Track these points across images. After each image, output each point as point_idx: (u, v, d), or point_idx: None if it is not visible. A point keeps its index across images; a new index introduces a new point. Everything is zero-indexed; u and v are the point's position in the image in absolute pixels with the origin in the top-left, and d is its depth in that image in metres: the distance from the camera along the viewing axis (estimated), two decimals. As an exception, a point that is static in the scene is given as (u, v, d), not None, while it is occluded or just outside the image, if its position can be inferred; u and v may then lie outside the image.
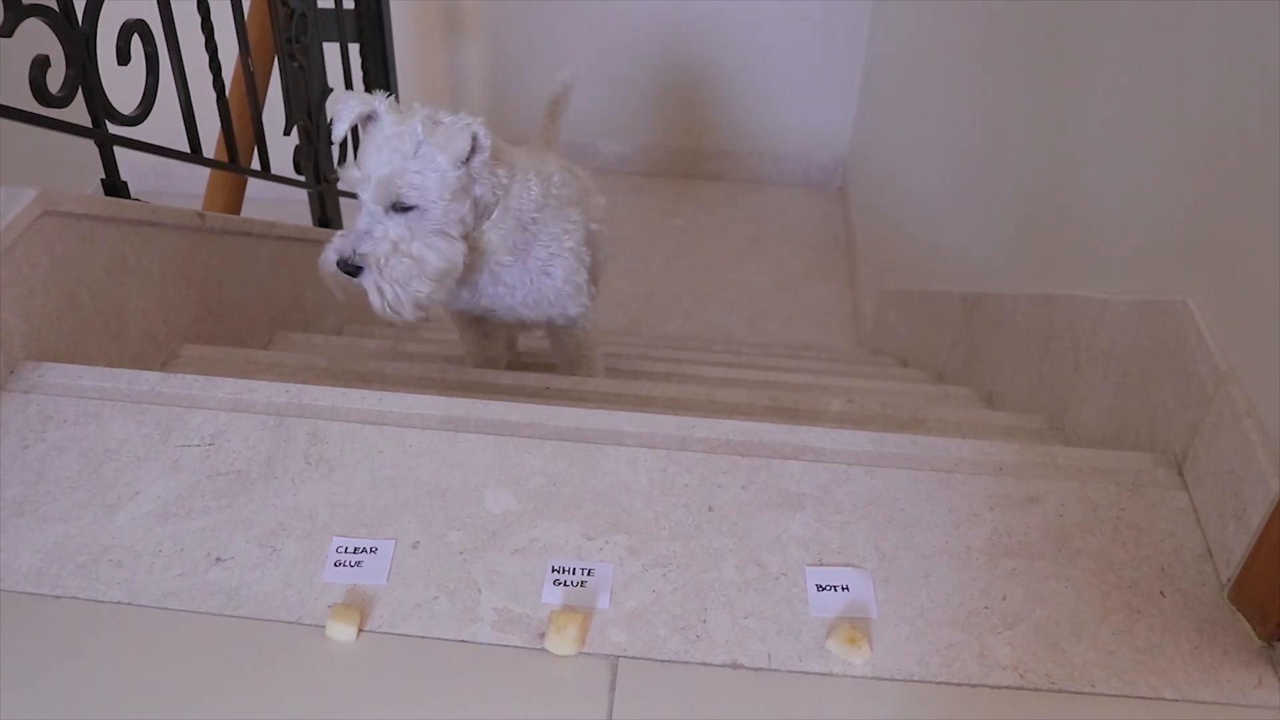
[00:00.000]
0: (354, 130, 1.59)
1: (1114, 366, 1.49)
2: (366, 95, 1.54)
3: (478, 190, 1.59)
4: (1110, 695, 1.01)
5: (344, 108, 1.55)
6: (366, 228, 1.53)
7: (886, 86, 4.06)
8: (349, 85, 2.83)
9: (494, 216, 1.63)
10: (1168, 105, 1.46)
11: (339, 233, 1.56)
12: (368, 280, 1.53)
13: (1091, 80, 1.76)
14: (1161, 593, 1.10)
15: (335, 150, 2.79)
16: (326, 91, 2.69)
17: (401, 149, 1.49)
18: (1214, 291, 1.27)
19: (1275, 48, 1.16)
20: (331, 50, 2.78)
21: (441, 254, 1.56)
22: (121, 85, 1.71)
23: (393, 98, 1.55)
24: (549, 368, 2.15)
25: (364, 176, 1.51)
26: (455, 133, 1.51)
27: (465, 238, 1.60)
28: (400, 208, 1.52)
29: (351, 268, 1.53)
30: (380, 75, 3.04)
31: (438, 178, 1.52)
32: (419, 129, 1.49)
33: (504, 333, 2.08)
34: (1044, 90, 2.02)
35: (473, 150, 1.53)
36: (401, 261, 1.53)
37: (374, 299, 1.54)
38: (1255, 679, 1.03)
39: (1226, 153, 1.28)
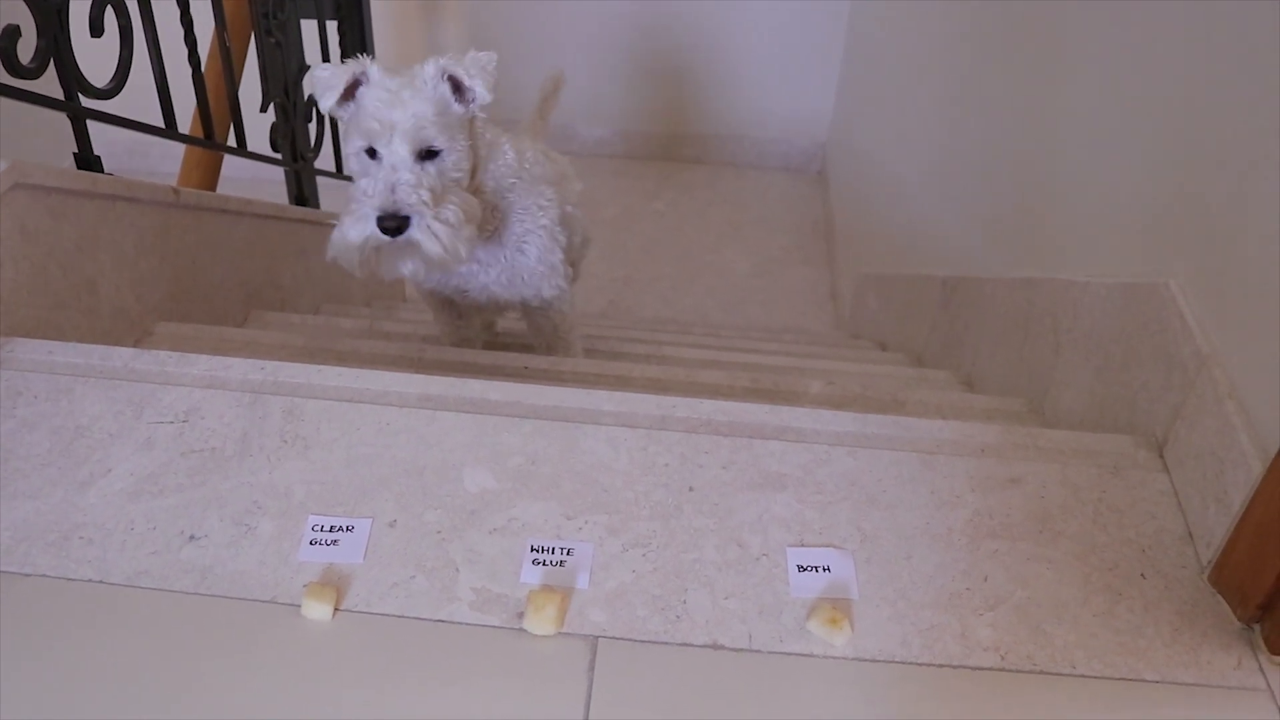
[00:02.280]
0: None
1: (1095, 349, 1.49)
2: (350, 61, 1.50)
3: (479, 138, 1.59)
4: (1091, 676, 1.00)
5: (331, 75, 1.49)
6: (402, 178, 1.46)
7: (866, 71, 4.06)
8: (326, 62, 2.80)
9: (477, 176, 1.62)
10: (1148, 87, 1.45)
11: (354, 202, 1.49)
12: (419, 229, 1.46)
13: (1071, 63, 1.75)
14: (1142, 575, 1.10)
15: (313, 128, 2.76)
16: (304, 69, 2.67)
17: (420, 94, 1.46)
18: (1196, 274, 1.26)
19: (1255, 29, 1.16)
20: (309, 28, 2.75)
21: (468, 201, 1.54)
22: (95, 58, 1.68)
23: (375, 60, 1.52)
24: (527, 348, 2.13)
25: (383, 126, 1.45)
26: (485, 62, 1.50)
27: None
28: (428, 153, 1.49)
29: (399, 221, 1.45)
30: (358, 53, 3.00)
31: (456, 119, 1.51)
32: (435, 71, 1.48)
33: (478, 314, 2.06)
34: (1024, 73, 2.01)
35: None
36: (448, 206, 1.49)
37: (430, 246, 1.47)
38: (1235, 660, 1.03)
39: (1208, 134, 1.27)
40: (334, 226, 1.50)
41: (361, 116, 1.48)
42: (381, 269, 1.52)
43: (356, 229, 1.47)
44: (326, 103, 1.50)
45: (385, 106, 1.46)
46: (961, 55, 2.55)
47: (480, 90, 1.49)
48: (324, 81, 1.50)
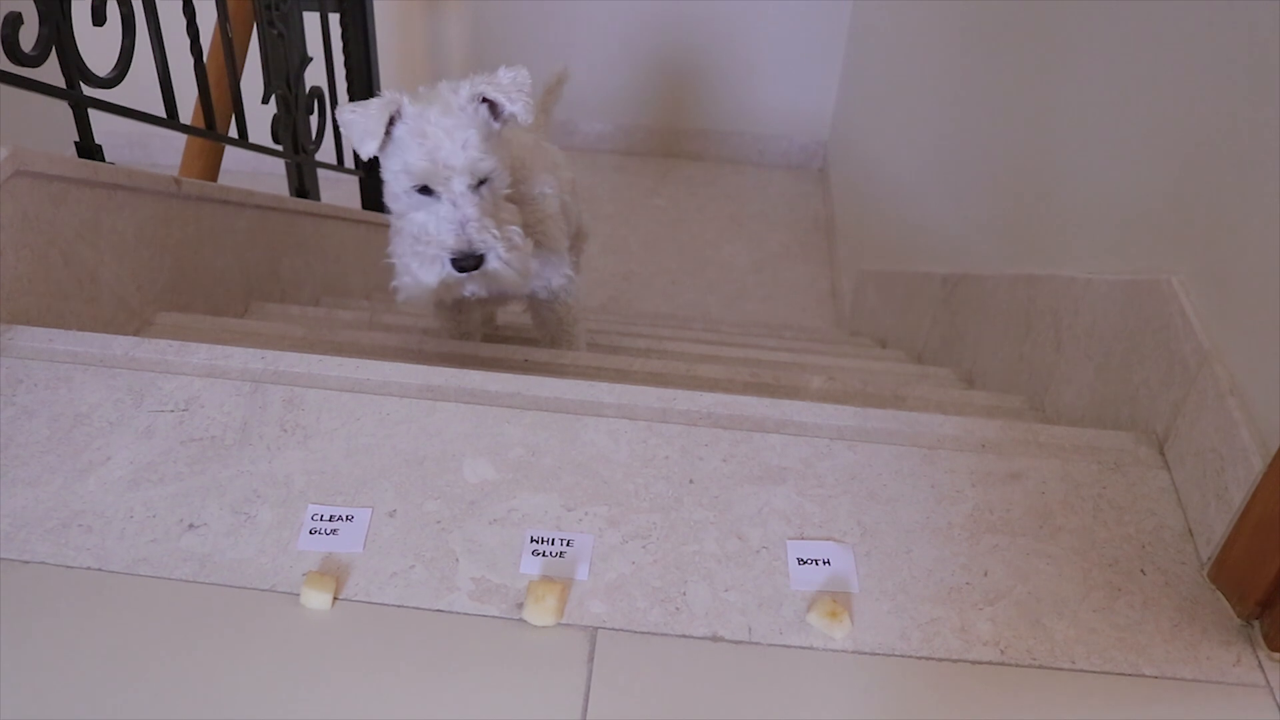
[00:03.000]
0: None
1: (1096, 346, 1.49)
2: (380, 98, 1.46)
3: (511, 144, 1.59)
4: (1091, 671, 1.00)
5: (365, 118, 1.45)
6: (466, 215, 1.45)
7: (868, 67, 4.05)
8: (329, 55, 2.80)
9: None
10: (1149, 83, 1.45)
11: (420, 241, 1.48)
12: (494, 262, 1.47)
13: (1073, 59, 1.75)
14: (1142, 571, 1.10)
15: (314, 121, 2.76)
16: (306, 61, 2.67)
17: (464, 122, 1.44)
18: (1198, 270, 1.26)
19: (1256, 25, 1.16)
20: (311, 19, 2.75)
21: (514, 213, 1.55)
22: (97, 47, 1.68)
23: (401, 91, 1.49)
24: (528, 341, 2.13)
25: (437, 165, 1.43)
26: (521, 82, 1.48)
27: None
28: (481, 182, 1.48)
29: (475, 259, 1.46)
30: (360, 45, 3.01)
31: (496, 139, 1.49)
32: (470, 95, 1.45)
33: (479, 308, 2.06)
34: (1026, 70, 2.01)
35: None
36: (510, 229, 1.50)
37: (508, 275, 1.49)
38: (1234, 657, 1.02)
39: (1209, 130, 1.27)
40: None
41: (406, 158, 1.45)
42: (451, 295, 1.53)
43: (430, 272, 1.47)
44: (369, 149, 1.45)
45: (432, 144, 1.43)
46: (963, 52, 2.55)
47: (522, 113, 1.47)
48: (359, 128, 1.45)
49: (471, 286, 1.51)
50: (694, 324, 3.40)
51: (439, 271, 1.46)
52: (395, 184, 1.49)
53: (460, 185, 1.45)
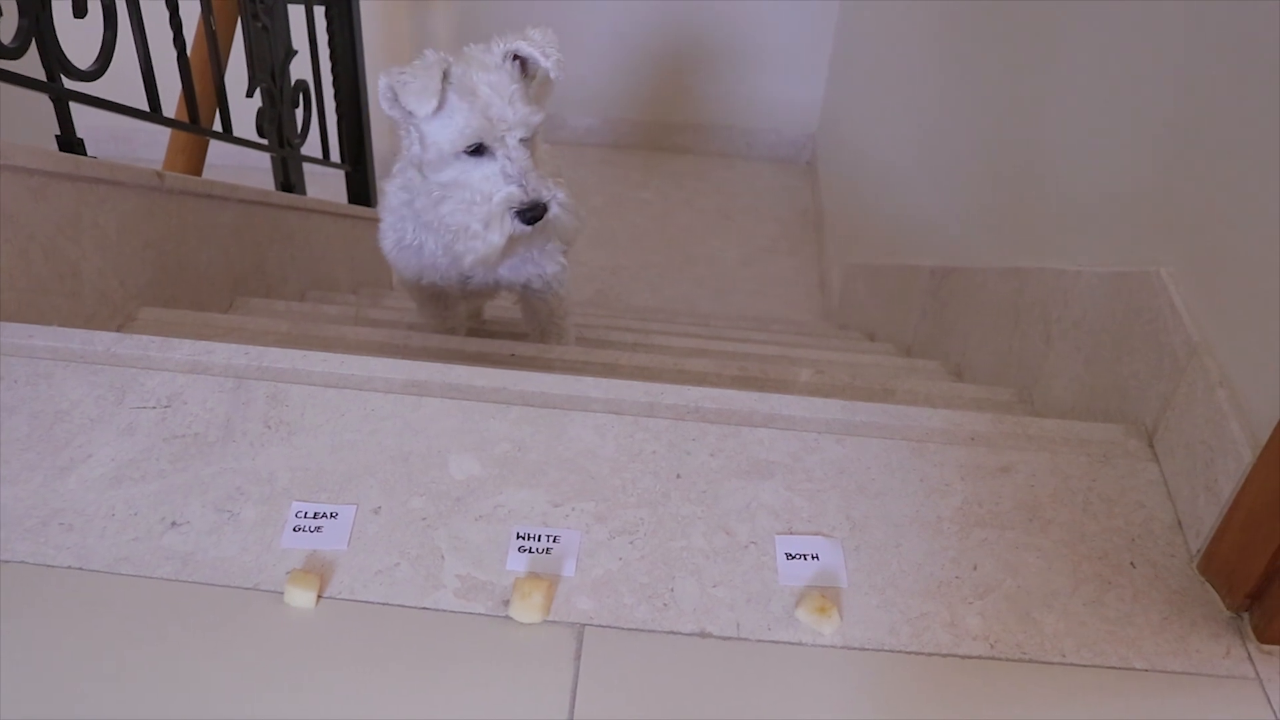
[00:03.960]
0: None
1: (1085, 338, 1.48)
2: (428, 57, 1.46)
3: None
4: (1081, 665, 1.00)
5: (422, 82, 1.44)
6: (524, 168, 1.49)
7: (857, 60, 4.05)
8: (314, 48, 2.78)
9: None
10: (1138, 75, 1.45)
11: (477, 199, 1.49)
12: (556, 209, 1.51)
13: (1062, 51, 1.75)
14: (1132, 563, 1.10)
15: (299, 114, 2.74)
16: (291, 54, 2.65)
17: (506, 81, 1.47)
18: (1187, 262, 1.26)
19: (1245, 17, 1.15)
20: (296, 12, 2.73)
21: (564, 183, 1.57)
22: (78, 40, 1.66)
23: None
24: (514, 336, 2.12)
25: (495, 123, 1.46)
26: (551, 39, 1.51)
27: None
28: (526, 140, 1.51)
29: (540, 209, 1.49)
30: (345, 38, 2.99)
31: (531, 97, 1.52)
32: (504, 53, 1.48)
33: (467, 302, 2.05)
34: (1014, 62, 2.01)
35: None
36: (561, 183, 1.53)
37: (568, 220, 1.53)
38: (1223, 649, 1.02)
39: (1199, 122, 1.27)
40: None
41: (459, 117, 1.46)
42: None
43: (499, 230, 1.49)
44: (428, 107, 1.45)
45: (485, 101, 1.46)
46: (952, 45, 2.54)
47: (555, 69, 1.50)
48: (415, 87, 1.45)
49: (565, 222, 1.54)
50: (682, 318, 3.39)
51: (507, 227, 1.49)
52: (448, 145, 1.49)
53: (514, 141, 1.48)
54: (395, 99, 1.47)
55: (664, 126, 5.03)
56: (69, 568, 1.04)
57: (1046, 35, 1.83)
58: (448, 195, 1.53)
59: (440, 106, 1.46)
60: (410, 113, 1.48)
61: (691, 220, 4.60)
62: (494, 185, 1.48)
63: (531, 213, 1.48)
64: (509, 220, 1.48)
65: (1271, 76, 1.11)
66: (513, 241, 1.51)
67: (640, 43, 4.73)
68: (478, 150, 1.48)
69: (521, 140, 1.49)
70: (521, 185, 1.48)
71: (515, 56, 1.50)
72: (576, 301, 3.74)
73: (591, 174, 4.82)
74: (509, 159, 1.48)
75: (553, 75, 1.51)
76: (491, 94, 1.45)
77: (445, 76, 1.46)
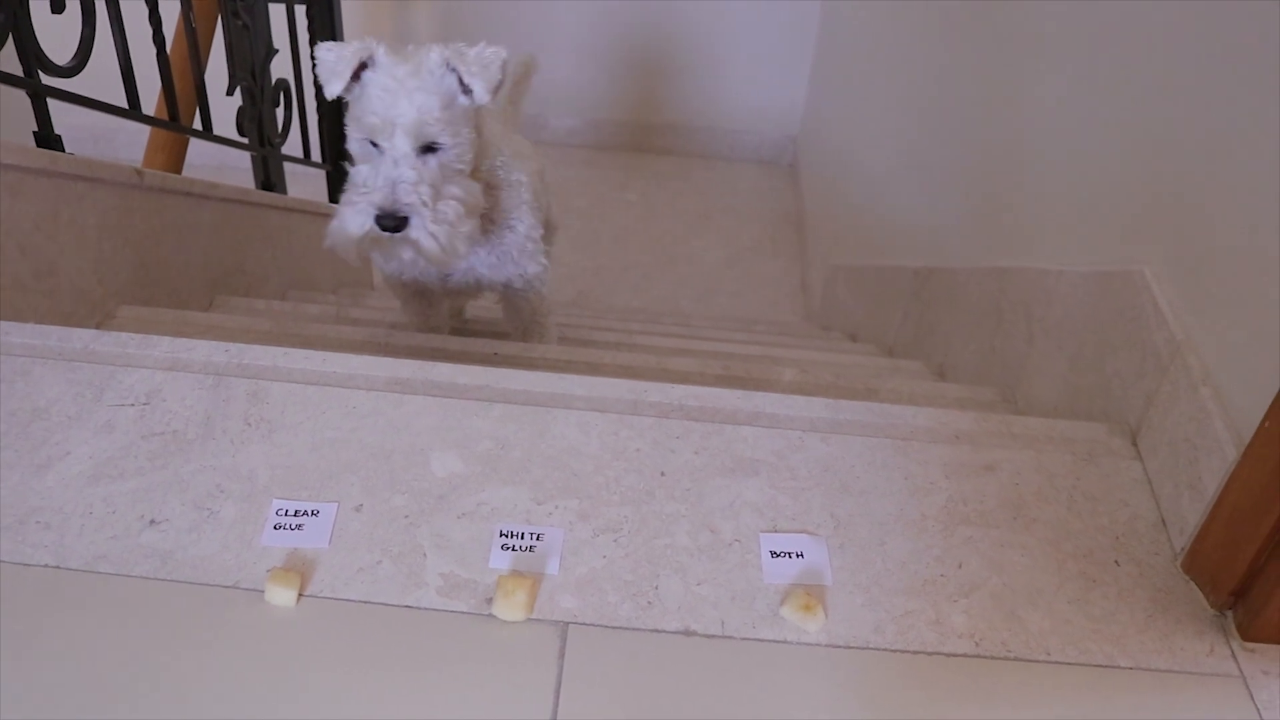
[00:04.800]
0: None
1: (1068, 338, 1.49)
2: (356, 42, 1.44)
3: (485, 127, 1.56)
4: (1066, 663, 1.00)
5: (337, 58, 1.44)
6: (401, 175, 1.43)
7: (838, 62, 4.05)
8: (295, 46, 2.76)
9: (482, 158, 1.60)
10: (1120, 75, 1.45)
11: (355, 193, 1.46)
12: (417, 229, 1.44)
13: (1043, 52, 1.75)
14: (1116, 562, 1.10)
15: (279, 113, 2.73)
16: (271, 52, 2.63)
17: (424, 86, 1.42)
18: (1170, 261, 1.26)
19: (1226, 18, 1.15)
20: (277, 11, 2.71)
21: (470, 191, 1.52)
22: (56, 36, 1.65)
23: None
24: (497, 334, 2.11)
25: (385, 122, 1.42)
26: (488, 61, 1.45)
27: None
28: (430, 149, 1.46)
29: (397, 220, 1.43)
30: (326, 36, 2.97)
31: (461, 112, 1.47)
32: (437, 61, 1.43)
33: (451, 300, 2.04)
34: (996, 63, 2.01)
35: (500, 80, 1.48)
36: (448, 203, 1.46)
37: (428, 245, 1.45)
38: (1207, 647, 1.02)
39: (1181, 122, 1.27)
40: (329, 216, 1.47)
41: (364, 107, 1.44)
42: (380, 258, 1.51)
43: (355, 222, 1.45)
44: (333, 89, 1.44)
45: (389, 99, 1.42)
46: (933, 46, 2.55)
47: (479, 91, 1.45)
48: (329, 66, 1.44)
49: (405, 253, 1.49)
50: (665, 318, 3.39)
51: (363, 223, 1.44)
52: (350, 132, 1.48)
53: (403, 145, 1.43)
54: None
55: (647, 128, 5.03)
56: (46, 566, 1.03)
57: (1028, 36, 1.84)
58: (350, 188, 1.50)
59: (350, 90, 1.46)
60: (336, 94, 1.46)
61: (674, 221, 4.60)
62: (372, 181, 1.45)
63: (385, 220, 1.43)
64: (368, 217, 1.44)
65: (1252, 76, 1.11)
66: (373, 242, 1.47)
67: (623, 44, 4.73)
68: (374, 144, 1.45)
69: (424, 150, 1.46)
70: (389, 191, 1.43)
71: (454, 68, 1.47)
72: (559, 302, 3.74)
73: (574, 175, 4.81)
74: (394, 161, 1.44)
75: (477, 100, 1.46)
76: (396, 91, 1.42)
77: (370, 64, 1.44)
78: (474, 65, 1.44)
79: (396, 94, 1.42)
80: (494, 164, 1.65)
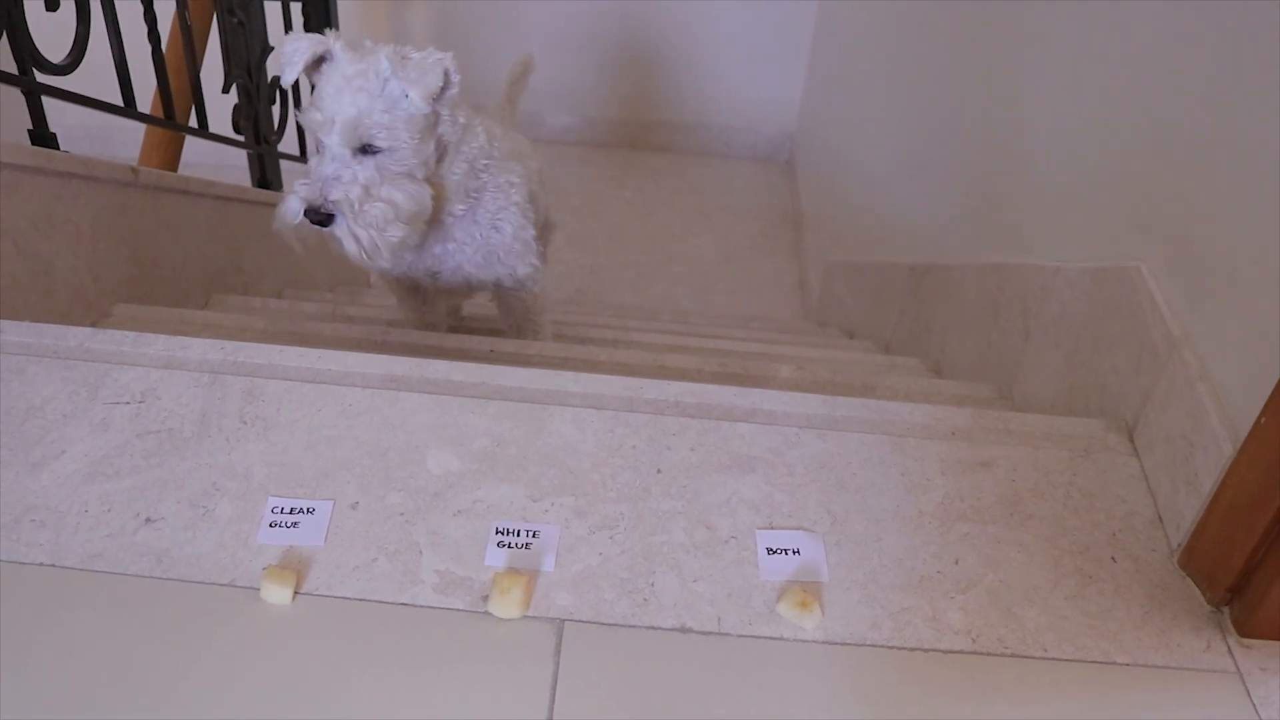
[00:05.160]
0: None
1: (1065, 334, 1.49)
2: (317, 35, 1.46)
3: (441, 129, 1.54)
4: (1062, 659, 1.00)
5: (293, 49, 1.45)
6: (334, 172, 1.45)
7: (835, 59, 4.05)
8: (290, 44, 2.75)
9: (448, 160, 1.59)
10: (1117, 72, 1.45)
11: (299, 181, 1.48)
12: (340, 228, 1.46)
13: (1040, 48, 1.75)
14: (1113, 558, 1.10)
15: (275, 110, 2.72)
16: (267, 50, 2.62)
17: (367, 87, 1.43)
18: (1167, 257, 1.26)
19: (1222, 15, 1.15)
20: (273, 9, 2.71)
21: (411, 196, 1.51)
22: (51, 34, 1.64)
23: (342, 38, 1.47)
24: (494, 332, 2.11)
25: (326, 119, 1.44)
26: (427, 68, 1.45)
27: (427, 181, 1.55)
28: (368, 150, 1.46)
29: (323, 216, 1.45)
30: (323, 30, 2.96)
31: (405, 116, 1.47)
32: (385, 65, 1.43)
33: (446, 298, 2.04)
34: (992, 59, 2.01)
35: (444, 86, 1.48)
36: (375, 206, 1.47)
37: (349, 246, 1.48)
38: (1204, 643, 1.02)
39: (1177, 118, 1.27)
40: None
41: (313, 101, 1.46)
42: (323, 243, 1.52)
43: (290, 209, 1.47)
44: (287, 78, 1.46)
45: (334, 96, 1.43)
46: (930, 42, 2.54)
47: (415, 98, 1.45)
48: (286, 56, 1.46)
49: (334, 248, 1.51)
50: (662, 316, 3.39)
51: (294, 211, 1.47)
52: (301, 122, 1.51)
53: (336, 143, 1.45)
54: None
55: (642, 125, 5.03)
56: (42, 565, 1.02)
57: (1024, 32, 1.83)
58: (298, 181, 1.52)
59: (317, 69, 1.47)
60: (295, 79, 1.48)
61: (671, 219, 4.60)
62: (314, 174, 1.47)
63: (312, 216, 1.46)
64: (297, 207, 1.46)
65: (1248, 72, 1.11)
66: (307, 230, 1.49)
67: (618, 41, 4.72)
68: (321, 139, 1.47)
69: (361, 150, 1.47)
70: (317, 187, 1.45)
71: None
72: (555, 300, 3.73)
73: (570, 173, 4.80)
74: (330, 157, 1.46)
75: (414, 107, 1.47)
76: (342, 89, 1.43)
77: (328, 58, 1.46)
78: (412, 72, 1.45)
79: (342, 91, 1.43)
80: (477, 166, 1.65)
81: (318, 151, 1.49)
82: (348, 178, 1.45)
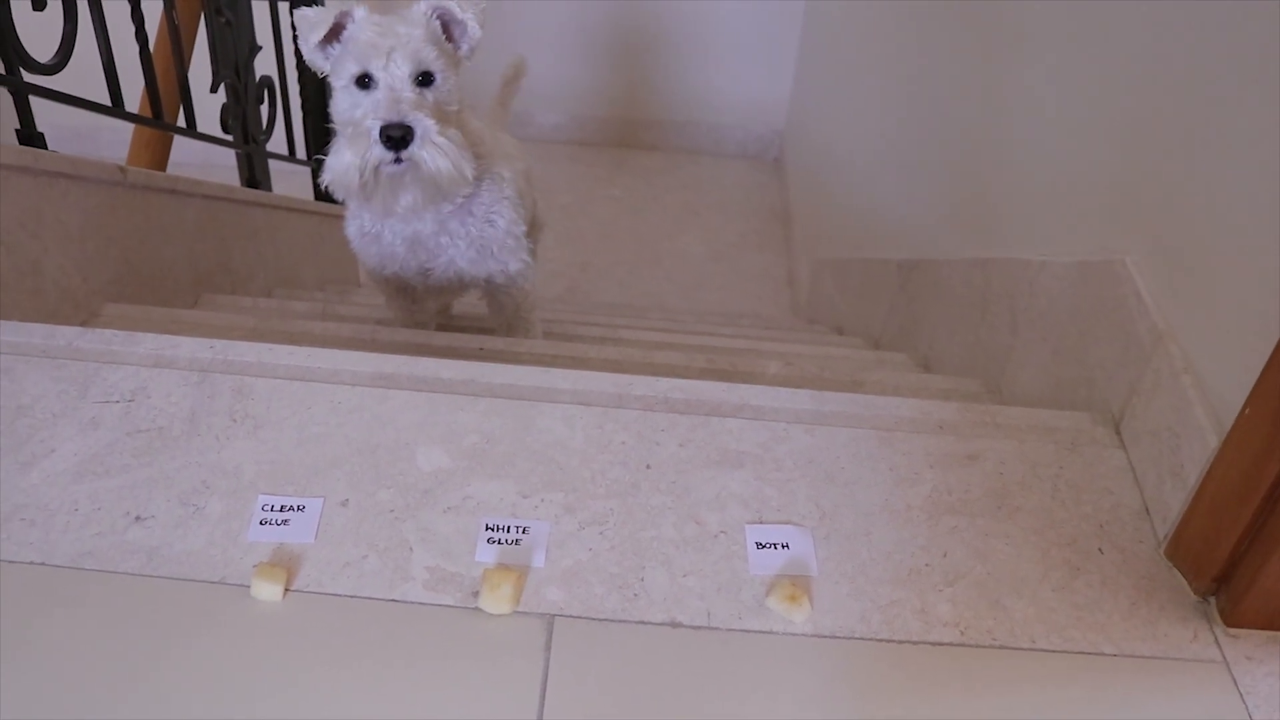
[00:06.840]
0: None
1: (1051, 328, 1.49)
2: (337, 3, 1.46)
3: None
4: (1050, 651, 1.00)
5: (316, 15, 1.44)
6: (403, 95, 1.42)
7: (823, 56, 4.05)
8: (279, 44, 2.76)
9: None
10: (1101, 66, 1.45)
11: (353, 123, 1.44)
12: (421, 145, 1.41)
13: (1025, 44, 1.75)
14: (1100, 550, 1.10)
15: (264, 110, 2.72)
16: (255, 49, 2.63)
17: (417, 23, 1.45)
18: (1152, 250, 1.26)
19: (1206, 9, 1.16)
20: (260, 8, 2.71)
21: (459, 136, 1.50)
22: (37, 33, 1.64)
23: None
24: (483, 330, 2.11)
25: (380, 49, 1.41)
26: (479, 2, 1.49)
27: None
28: (425, 78, 1.45)
29: (404, 129, 1.39)
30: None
31: (450, 57, 1.49)
32: (428, 9, 1.46)
33: (436, 297, 2.04)
34: (978, 55, 2.01)
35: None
36: (450, 132, 1.46)
37: (438, 163, 1.42)
38: (1191, 633, 1.03)
39: (1162, 112, 1.27)
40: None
41: (353, 46, 1.44)
42: (379, 198, 1.48)
43: (355, 147, 1.42)
44: (310, 40, 1.45)
45: (383, 30, 1.43)
46: (916, 39, 2.55)
47: (472, 25, 1.47)
48: (308, 20, 1.45)
49: (400, 192, 1.48)
50: (651, 313, 3.39)
51: (364, 147, 1.41)
52: (339, 78, 1.47)
53: (400, 68, 1.42)
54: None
55: (631, 123, 5.03)
56: (31, 563, 1.02)
57: (1010, 28, 1.84)
58: (340, 136, 1.48)
59: (334, 40, 1.47)
60: (314, 48, 1.47)
61: (660, 217, 4.60)
62: (373, 107, 1.43)
63: (393, 131, 1.39)
64: (371, 138, 1.40)
65: (1232, 67, 1.11)
66: (374, 174, 1.44)
67: (607, 39, 4.73)
68: (365, 82, 1.44)
69: (420, 85, 1.45)
70: (393, 104, 1.41)
71: (438, 16, 1.48)
72: (545, 297, 3.73)
73: (559, 171, 4.81)
74: (390, 86, 1.42)
75: (470, 34, 1.49)
76: (389, 25, 1.43)
77: (349, 20, 1.46)
78: (464, 1, 1.48)
79: (392, 25, 1.43)
80: (478, 151, 1.65)
81: (353, 108, 1.46)
82: (417, 100, 1.43)
